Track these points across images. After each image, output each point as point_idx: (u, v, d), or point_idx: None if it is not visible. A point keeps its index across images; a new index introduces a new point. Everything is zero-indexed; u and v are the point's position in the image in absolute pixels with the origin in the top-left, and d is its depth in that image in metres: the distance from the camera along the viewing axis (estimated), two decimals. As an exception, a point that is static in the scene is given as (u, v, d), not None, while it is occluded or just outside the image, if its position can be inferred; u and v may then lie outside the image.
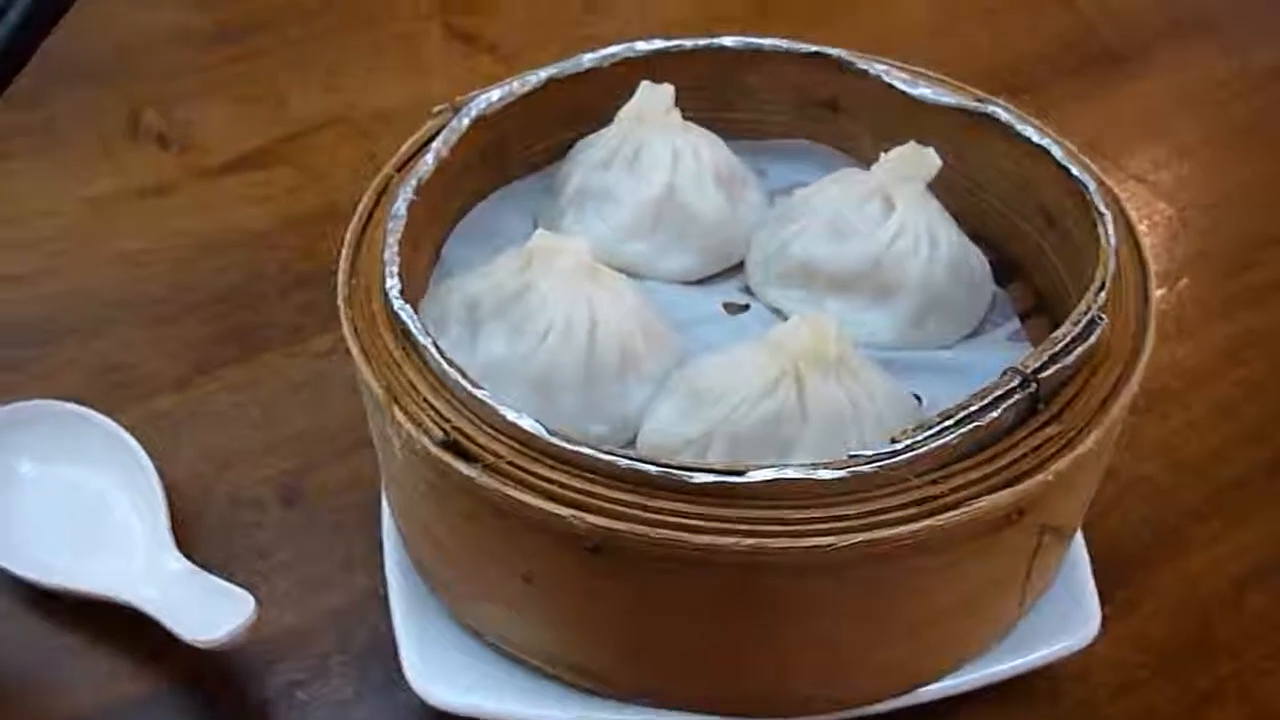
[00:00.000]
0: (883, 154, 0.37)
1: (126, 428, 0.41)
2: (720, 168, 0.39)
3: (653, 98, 0.38)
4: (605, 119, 0.40)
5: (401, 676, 0.33)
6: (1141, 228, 0.53)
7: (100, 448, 0.41)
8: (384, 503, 0.38)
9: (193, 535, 0.40)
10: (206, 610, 0.35)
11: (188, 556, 0.38)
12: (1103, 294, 0.31)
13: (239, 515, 0.42)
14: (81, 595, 0.37)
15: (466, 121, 0.37)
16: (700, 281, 0.39)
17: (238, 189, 0.55)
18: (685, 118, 0.39)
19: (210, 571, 0.37)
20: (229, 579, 0.37)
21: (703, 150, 0.39)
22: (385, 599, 0.36)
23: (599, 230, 0.38)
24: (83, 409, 0.42)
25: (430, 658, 0.33)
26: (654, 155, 0.38)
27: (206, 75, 0.62)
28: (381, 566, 0.37)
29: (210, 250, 0.52)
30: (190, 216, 0.53)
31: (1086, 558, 0.36)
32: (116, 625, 0.37)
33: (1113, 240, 0.32)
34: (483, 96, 0.38)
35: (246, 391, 0.46)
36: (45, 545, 0.39)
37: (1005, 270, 0.39)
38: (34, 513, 0.40)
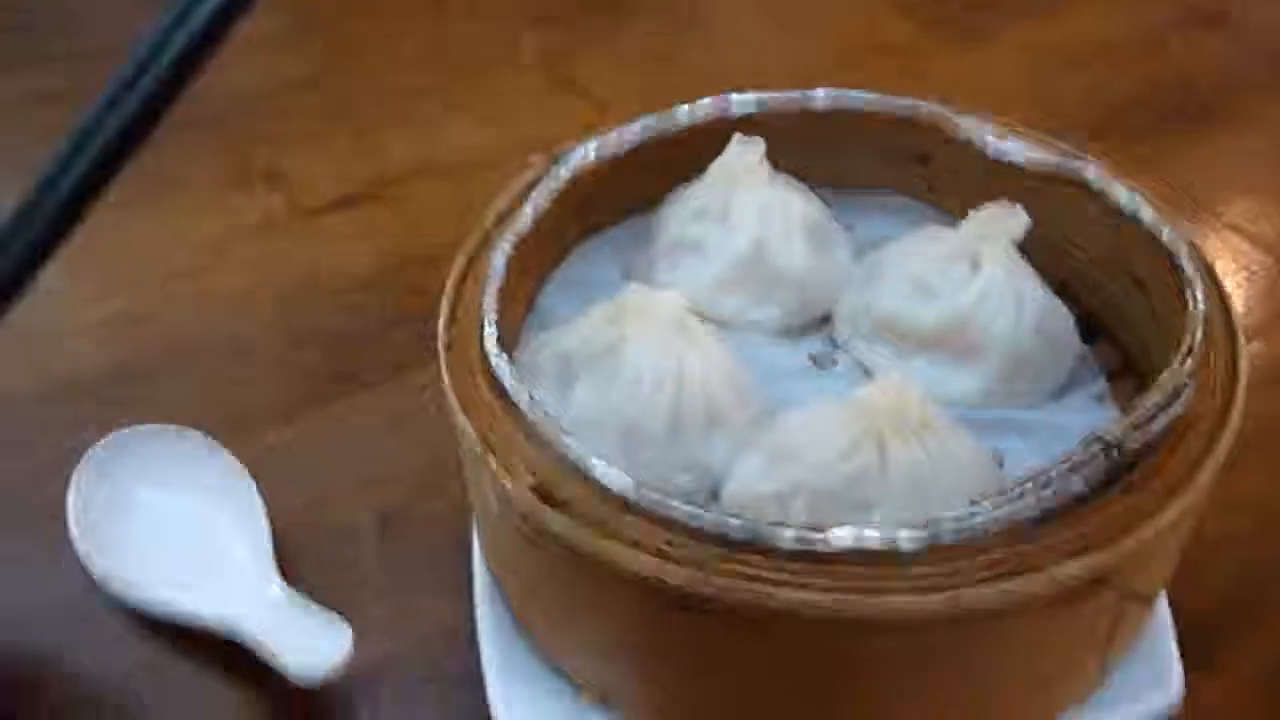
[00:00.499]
0: (971, 211, 0.37)
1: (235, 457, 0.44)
2: (809, 222, 0.40)
3: (744, 152, 0.39)
4: (698, 171, 0.41)
5: (488, 707, 0.35)
6: (1237, 279, 0.53)
7: (210, 475, 0.43)
8: (475, 538, 0.39)
9: (292, 565, 0.42)
10: (306, 638, 0.36)
11: (288, 584, 0.40)
12: (1190, 361, 0.31)
13: (338, 545, 0.43)
14: (186, 619, 0.39)
15: (564, 175, 0.39)
16: (787, 334, 0.40)
17: (341, 229, 0.58)
18: (776, 170, 0.40)
19: (310, 599, 0.39)
20: (326, 606, 0.39)
21: (792, 204, 0.40)
22: (475, 632, 0.37)
23: (689, 283, 0.39)
24: (195, 433, 0.44)
25: (516, 696, 0.35)
26: (744, 209, 0.39)
27: (314, 117, 0.64)
28: (471, 600, 0.38)
29: (314, 289, 0.54)
30: (295, 257, 0.56)
31: (1170, 621, 0.36)
32: (217, 649, 0.39)
33: (1201, 307, 0.32)
34: (579, 150, 0.40)
35: (347, 426, 0.48)
36: (154, 567, 0.41)
37: (1091, 328, 0.39)
38: (145, 536, 0.42)
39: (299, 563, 0.42)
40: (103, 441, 0.44)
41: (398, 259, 0.56)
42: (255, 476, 0.43)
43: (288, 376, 0.50)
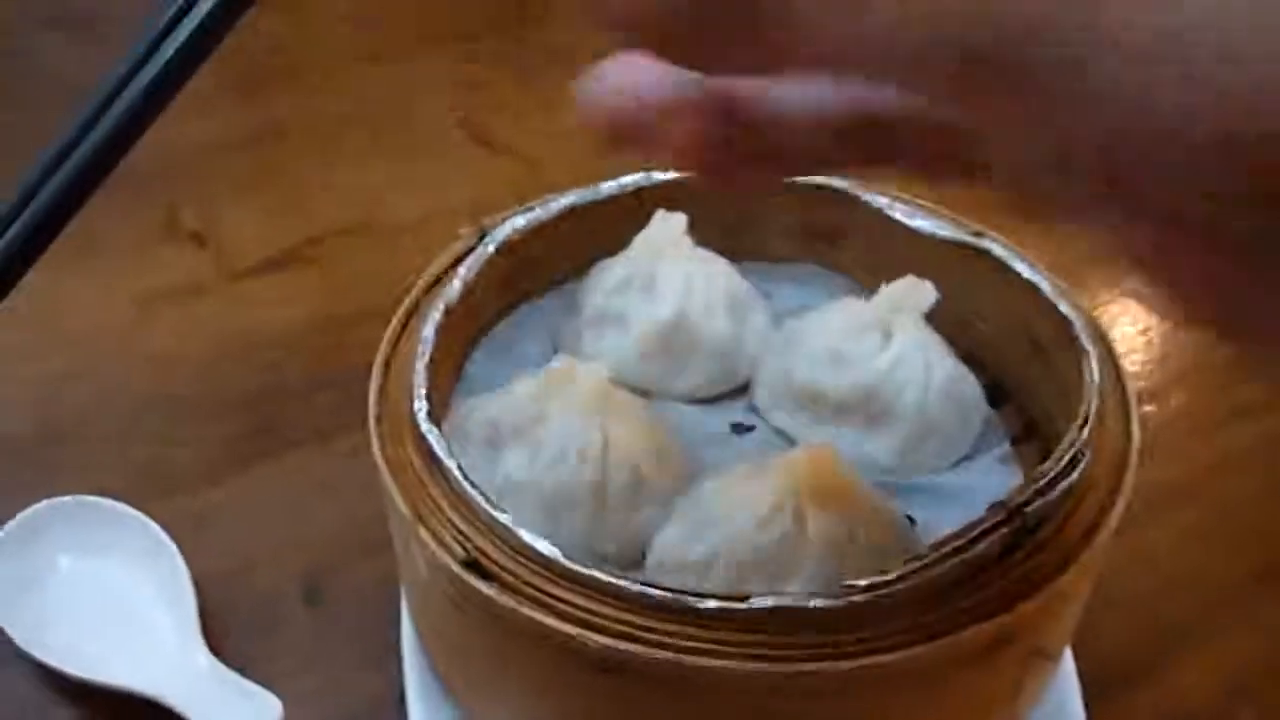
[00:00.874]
0: (883, 284, 0.39)
1: (158, 523, 0.44)
2: (730, 292, 0.41)
3: (667, 226, 0.41)
4: (622, 242, 0.42)
5: (418, 778, 0.35)
6: (1133, 344, 0.56)
7: (133, 543, 0.43)
8: (403, 604, 0.40)
9: (218, 631, 0.42)
10: (234, 711, 0.36)
11: (214, 652, 0.40)
12: (1086, 430, 0.33)
13: (263, 613, 0.43)
14: (111, 689, 0.39)
15: (492, 248, 0.40)
16: (708, 401, 0.41)
17: (267, 290, 0.58)
18: (696, 243, 0.42)
19: (234, 667, 0.39)
20: (252, 676, 0.39)
21: (713, 276, 0.41)
22: (404, 699, 0.38)
23: (614, 352, 0.40)
24: (117, 504, 0.44)
25: (446, 762, 0.35)
26: (667, 280, 0.40)
27: (240, 178, 0.65)
28: (400, 667, 0.39)
29: (240, 350, 0.54)
30: (223, 317, 0.56)
31: (1075, 673, 0.38)
32: (137, 713, 0.39)
33: (1096, 377, 0.34)
34: (508, 223, 0.41)
35: (273, 490, 0.48)
36: (77, 637, 0.41)
37: (997, 393, 0.41)
38: (68, 605, 0.42)
39: (224, 630, 0.42)
40: (24, 512, 0.44)
41: (323, 320, 0.56)
42: (178, 540, 0.43)
43: (212, 439, 0.50)
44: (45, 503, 0.44)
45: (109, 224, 0.60)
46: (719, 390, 0.41)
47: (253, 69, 0.73)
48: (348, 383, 0.52)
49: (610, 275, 0.41)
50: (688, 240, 0.41)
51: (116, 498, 0.44)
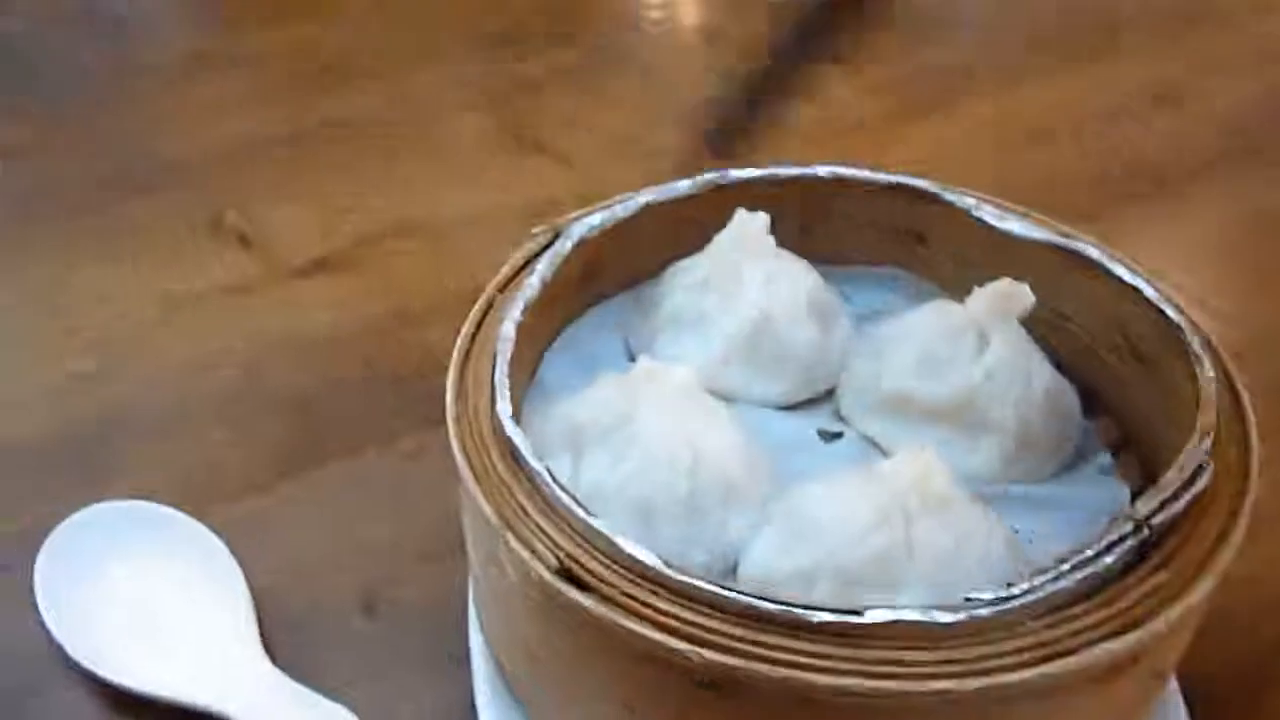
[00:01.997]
0: (975, 288, 0.38)
1: (210, 529, 0.42)
2: (813, 295, 0.40)
3: (749, 225, 0.39)
4: (699, 242, 0.40)
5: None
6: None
7: (186, 549, 0.42)
8: (471, 613, 0.38)
9: (274, 641, 0.40)
10: (304, 726, 0.35)
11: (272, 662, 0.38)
12: (1209, 440, 0.31)
13: (320, 621, 0.42)
14: (170, 702, 0.37)
15: (569, 245, 0.38)
16: (793, 407, 0.39)
17: (315, 291, 0.56)
18: (776, 244, 0.40)
19: (292, 678, 0.37)
20: (312, 687, 0.37)
21: (796, 277, 0.39)
22: (473, 710, 0.36)
23: (693, 355, 0.38)
24: (171, 510, 0.43)
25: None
26: (749, 282, 0.39)
27: (287, 178, 0.63)
28: (469, 677, 0.37)
29: (289, 352, 0.53)
30: (270, 317, 0.55)
31: (1179, 694, 0.36)
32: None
33: (1213, 384, 0.33)
34: (583, 221, 0.39)
35: (328, 495, 0.46)
36: (133, 648, 0.39)
37: (1089, 402, 0.39)
38: (121, 614, 0.40)
39: (280, 639, 0.40)
40: (73, 516, 0.42)
41: (372, 322, 0.55)
42: (230, 549, 0.42)
43: (262, 442, 0.49)
44: (94, 507, 0.43)
45: (154, 223, 0.59)
46: (803, 397, 0.39)
47: (298, 70, 0.72)
48: (401, 385, 0.51)
49: (688, 275, 0.40)
50: (770, 240, 0.40)
51: (165, 503, 0.43)
